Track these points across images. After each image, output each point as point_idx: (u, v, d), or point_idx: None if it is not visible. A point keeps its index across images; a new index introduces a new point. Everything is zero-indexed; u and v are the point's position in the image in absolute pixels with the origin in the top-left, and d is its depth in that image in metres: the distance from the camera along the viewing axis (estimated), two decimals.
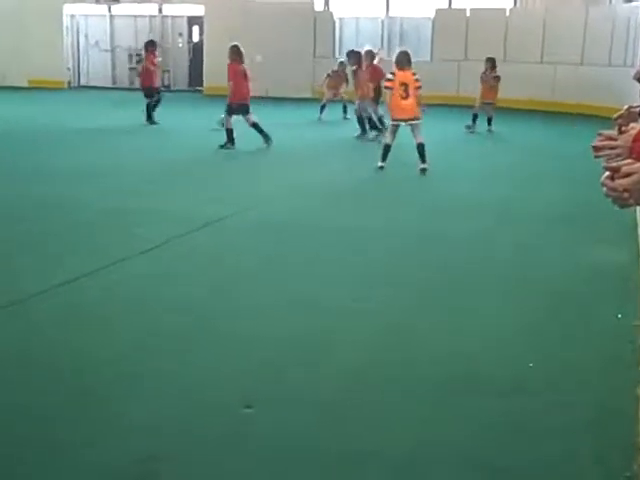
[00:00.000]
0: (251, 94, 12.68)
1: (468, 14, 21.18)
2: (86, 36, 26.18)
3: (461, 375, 4.06)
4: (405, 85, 10.41)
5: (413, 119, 10.50)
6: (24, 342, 4.37)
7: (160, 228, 6.96)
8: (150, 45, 16.04)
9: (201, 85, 24.14)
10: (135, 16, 25.75)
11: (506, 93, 16.16)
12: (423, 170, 10.37)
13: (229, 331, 4.61)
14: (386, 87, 10.66)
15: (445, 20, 21.38)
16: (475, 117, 15.46)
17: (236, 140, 12.27)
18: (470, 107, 15.99)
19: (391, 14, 22.67)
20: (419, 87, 10.56)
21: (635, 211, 7.02)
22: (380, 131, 13.49)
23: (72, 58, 26.05)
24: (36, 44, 23.97)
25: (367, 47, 14.83)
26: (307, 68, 21.08)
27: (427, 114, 10.72)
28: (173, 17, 25.68)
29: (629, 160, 1.98)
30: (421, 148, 10.40)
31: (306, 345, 4.44)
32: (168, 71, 24.49)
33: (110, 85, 25.90)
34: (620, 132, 2.26)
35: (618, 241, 6.83)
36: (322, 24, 22.64)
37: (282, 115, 17.90)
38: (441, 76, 20.24)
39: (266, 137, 12.41)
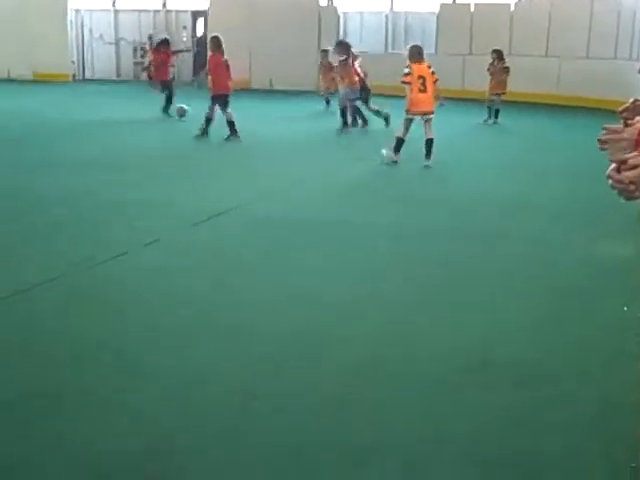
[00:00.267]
0: (232, 85, 12.89)
1: (472, 9, 21.11)
2: (90, 30, 26.16)
3: (463, 370, 4.04)
4: (423, 78, 10.35)
5: (431, 113, 10.46)
6: (25, 332, 4.37)
7: (161, 221, 6.95)
8: (166, 44, 16.14)
9: (205, 78, 24.10)
10: (139, 10, 25.74)
11: (511, 87, 16.10)
12: (427, 166, 10.33)
13: (229, 325, 4.59)
14: (404, 82, 10.45)
15: (450, 15, 21.31)
16: (489, 110, 15.52)
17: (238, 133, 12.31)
18: (476, 101, 15.96)
19: (395, 9, 22.60)
20: (436, 80, 10.53)
21: None
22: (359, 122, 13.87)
23: (77, 52, 26.03)
24: (41, 38, 23.95)
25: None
26: (311, 62, 20.99)
27: (443, 106, 10.68)
28: (177, 11, 25.66)
29: (635, 153, 1.97)
30: (430, 144, 10.36)
31: (307, 340, 4.42)
32: (172, 65, 24.45)
33: (115, 78, 25.90)
34: (626, 125, 2.25)
35: (623, 235, 6.80)
36: (326, 18, 22.58)
37: (286, 108, 17.88)
38: (446, 70, 20.12)
39: (234, 133, 12.41)
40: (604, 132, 2.12)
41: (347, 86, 14.08)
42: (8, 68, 24.58)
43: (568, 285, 5.59)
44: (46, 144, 11.90)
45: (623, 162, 1.93)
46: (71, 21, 25.56)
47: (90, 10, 26.10)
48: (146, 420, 3.44)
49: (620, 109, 2.37)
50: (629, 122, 2.26)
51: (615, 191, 1.94)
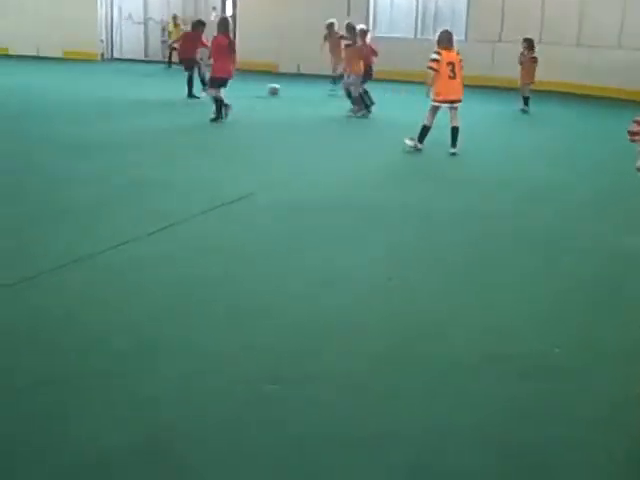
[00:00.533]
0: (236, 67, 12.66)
1: None
2: (120, 8, 26.20)
3: (488, 357, 4.02)
4: (452, 65, 10.17)
5: (459, 101, 10.32)
6: (33, 319, 4.34)
7: (175, 206, 6.90)
8: (201, 25, 15.97)
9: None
10: None
11: (540, 76, 15.93)
12: (453, 154, 10.22)
13: (238, 312, 4.53)
14: (431, 68, 10.20)
15: (480, 0, 21.08)
16: (523, 98, 15.39)
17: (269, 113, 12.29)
18: (505, 89, 15.84)
19: None
20: (462, 67, 10.38)
21: None
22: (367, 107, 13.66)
23: (105, 30, 26.10)
24: (71, 16, 24.05)
25: (361, 25, 14.85)
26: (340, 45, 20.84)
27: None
28: None
29: None
30: (456, 131, 10.22)
31: (337, 324, 4.40)
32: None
33: (142, 58, 25.95)
34: None
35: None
36: (356, 2, 22.41)
37: (312, 92, 17.83)
38: (475, 57, 19.97)
39: (219, 114, 12.25)
40: (634, 124, 2.09)
41: (350, 73, 13.93)
42: (38, 46, 24.71)
43: (592, 276, 5.53)
44: (74, 123, 11.92)
45: None
46: None
47: None
48: (147, 408, 3.42)
49: None
50: None
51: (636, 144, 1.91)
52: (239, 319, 4.41)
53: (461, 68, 10.35)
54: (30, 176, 7.96)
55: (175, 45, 18.09)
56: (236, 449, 3.12)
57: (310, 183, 8.18)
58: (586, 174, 9.36)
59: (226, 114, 12.34)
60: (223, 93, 12.37)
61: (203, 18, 24.04)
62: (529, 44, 15.51)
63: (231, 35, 12.95)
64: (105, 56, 25.93)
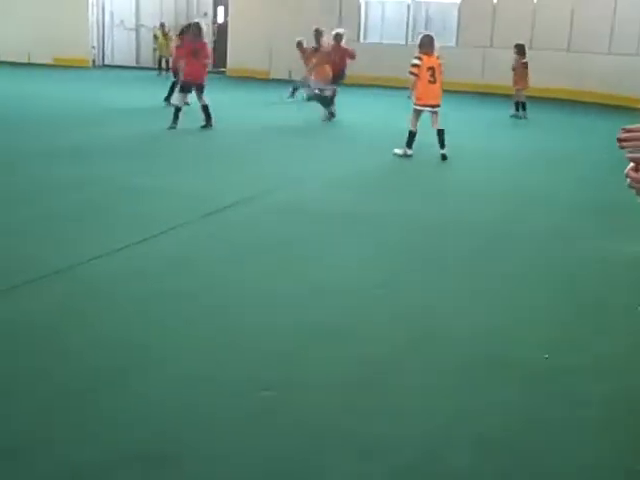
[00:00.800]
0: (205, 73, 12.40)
1: (495, 0, 20.96)
2: (111, 15, 26.21)
3: (480, 359, 4.03)
4: (432, 69, 10.24)
5: (438, 105, 10.38)
6: (31, 323, 4.37)
7: (175, 211, 6.91)
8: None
9: (225, 66, 24.13)
10: None
11: (531, 81, 16.02)
12: (443, 156, 10.27)
13: (248, 315, 4.57)
14: (412, 73, 10.30)
15: (471, 6, 21.18)
16: (522, 105, 15.52)
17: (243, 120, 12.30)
18: (496, 95, 15.94)
19: None
20: (442, 72, 10.42)
21: None
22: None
23: (97, 37, 26.10)
24: (62, 22, 24.06)
25: (337, 30, 14.90)
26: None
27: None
28: None
29: None
30: (442, 134, 10.28)
31: (328, 330, 4.40)
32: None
33: (134, 64, 25.96)
34: None
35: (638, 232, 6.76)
36: (348, 7, 22.49)
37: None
38: (466, 62, 20.09)
39: (175, 122, 11.98)
40: (623, 131, 2.08)
41: (313, 77, 13.98)
42: (29, 52, 24.69)
43: (582, 281, 5.54)
44: (65, 130, 11.90)
45: (639, 162, 1.89)
46: (92, 5, 25.63)
47: None
48: (165, 408, 3.43)
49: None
50: None
51: (633, 190, 1.91)
52: (225, 329, 4.39)
53: (441, 73, 10.39)
54: (13, 184, 7.90)
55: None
56: (229, 456, 3.11)
57: (297, 189, 8.18)
58: (577, 181, 9.38)
59: (210, 123, 12.19)
60: (189, 98, 12.31)
61: None
62: (519, 50, 15.61)
63: (205, 40, 12.68)
64: (96, 63, 25.94)
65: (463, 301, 5.00)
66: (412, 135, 10.31)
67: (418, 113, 10.35)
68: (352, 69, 16.58)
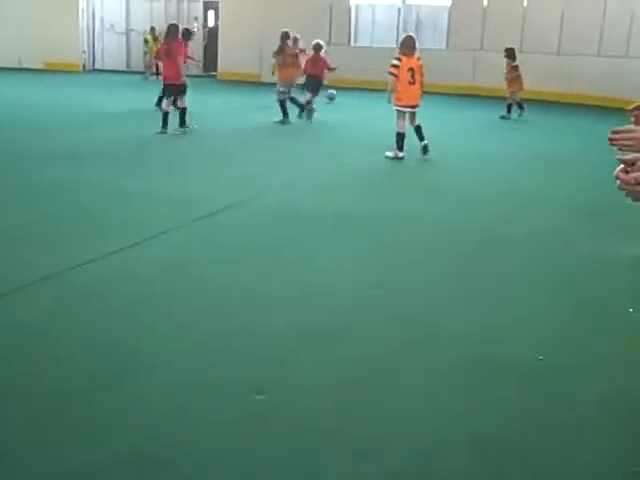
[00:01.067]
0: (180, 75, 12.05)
1: (485, 3, 21.03)
2: (101, 19, 26.19)
3: (476, 359, 4.04)
4: (412, 70, 10.28)
5: (417, 106, 10.45)
6: (29, 325, 4.37)
7: (167, 214, 6.91)
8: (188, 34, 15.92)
9: (215, 70, 24.13)
10: (151, 0, 25.75)
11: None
12: (425, 147, 10.34)
13: (241, 318, 4.57)
14: (391, 73, 10.35)
15: (462, 9, 21.24)
16: (519, 105, 15.67)
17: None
18: (486, 97, 16.01)
19: (408, 2, 22.54)
20: (422, 74, 10.47)
21: None
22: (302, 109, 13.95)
23: (87, 41, 26.07)
24: (52, 27, 24.02)
25: (317, 40, 15.09)
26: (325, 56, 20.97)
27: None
28: (189, 1, 25.67)
29: None
30: (419, 129, 10.37)
31: (321, 331, 4.40)
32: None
33: (124, 69, 25.92)
34: (637, 124, 2.23)
35: (634, 234, 6.79)
36: (338, 11, 22.53)
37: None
38: (457, 65, 20.16)
39: (165, 126, 11.90)
40: (614, 132, 2.10)
41: (279, 80, 14.03)
42: (19, 57, 24.64)
43: (580, 282, 5.56)
44: (57, 134, 11.88)
45: (631, 163, 1.91)
46: (82, 10, 25.59)
47: None
48: (146, 414, 3.42)
49: (631, 107, 2.35)
50: None
51: (623, 192, 1.92)
52: (218, 332, 4.38)
53: (422, 74, 10.44)
54: (4, 189, 7.87)
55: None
56: (222, 459, 3.11)
57: (289, 191, 8.19)
58: (570, 183, 9.40)
59: (183, 127, 12.05)
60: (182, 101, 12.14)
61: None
62: (509, 54, 15.71)
63: (181, 39, 12.46)
64: (87, 67, 25.91)
65: (459, 301, 5.01)
66: (400, 136, 10.35)
67: (400, 114, 10.39)
68: (343, 72, 16.65)
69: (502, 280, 5.47)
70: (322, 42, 15.24)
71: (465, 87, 20.41)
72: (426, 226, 6.94)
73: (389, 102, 10.45)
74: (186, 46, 14.36)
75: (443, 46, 21.47)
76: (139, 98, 17.01)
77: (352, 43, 22.76)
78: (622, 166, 1.93)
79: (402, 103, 10.34)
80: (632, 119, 2.30)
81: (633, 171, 1.89)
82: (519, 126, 15.19)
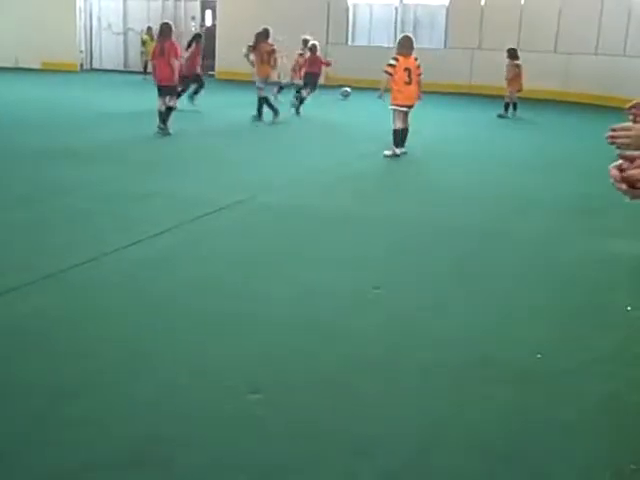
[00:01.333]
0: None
1: (483, 2, 21.03)
2: (99, 19, 26.15)
3: (474, 360, 4.04)
4: (408, 70, 10.35)
5: (412, 106, 10.54)
6: (26, 326, 4.37)
7: (167, 213, 6.93)
8: (199, 37, 15.95)
9: (213, 69, 24.09)
10: None
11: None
12: (403, 153, 10.48)
13: (243, 317, 4.57)
14: (386, 72, 10.45)
15: (460, 8, 21.23)
16: (513, 105, 15.83)
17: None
18: (484, 96, 16.04)
19: (405, 1, 22.53)
20: (420, 74, 10.55)
21: None
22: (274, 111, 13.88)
23: (85, 41, 26.03)
24: (49, 26, 23.98)
25: (313, 41, 16.13)
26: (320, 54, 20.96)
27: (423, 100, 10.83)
28: (186, 0, 25.62)
29: None
30: (405, 132, 10.51)
31: (321, 331, 4.41)
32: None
33: (122, 69, 25.88)
34: (635, 122, 2.23)
35: (632, 233, 6.80)
36: (336, 10, 22.52)
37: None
38: (454, 64, 20.16)
39: (164, 126, 11.82)
40: (611, 130, 2.11)
41: (257, 75, 14.07)
42: (16, 57, 24.60)
43: (575, 282, 5.57)
44: (54, 134, 11.87)
45: (630, 159, 1.92)
46: (80, 9, 25.55)
47: None
48: (158, 407, 3.44)
49: (629, 105, 2.35)
50: (638, 119, 2.25)
51: (620, 190, 1.93)
52: (218, 333, 4.38)
53: (418, 75, 10.50)
54: (3, 188, 7.88)
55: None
56: (221, 458, 3.12)
57: (288, 191, 8.20)
58: (568, 182, 9.40)
59: (164, 128, 11.88)
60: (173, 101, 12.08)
61: (182, 28, 24.13)
62: (511, 54, 15.86)
63: (174, 40, 12.30)
64: (84, 67, 25.86)
65: (459, 301, 5.01)
66: (396, 133, 10.46)
67: (397, 113, 10.48)
68: (340, 71, 16.69)
69: (501, 280, 5.48)
70: (316, 42, 16.13)
71: (463, 86, 20.42)
72: (425, 226, 6.94)
73: (379, 97, 10.60)
74: (197, 48, 15.06)
75: (441, 45, 21.46)
76: (137, 98, 16.97)
77: (350, 42, 22.74)
78: (617, 163, 1.94)
79: (398, 102, 10.44)
80: (630, 117, 2.30)
81: (631, 168, 1.90)
82: (516, 125, 15.19)
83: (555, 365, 4.07)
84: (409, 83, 10.37)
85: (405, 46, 10.47)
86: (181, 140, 11.75)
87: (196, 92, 15.34)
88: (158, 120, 11.85)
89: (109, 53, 26.28)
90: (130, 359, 3.97)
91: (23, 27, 24.08)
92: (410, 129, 10.67)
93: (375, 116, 13.64)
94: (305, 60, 15.91)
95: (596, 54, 19.10)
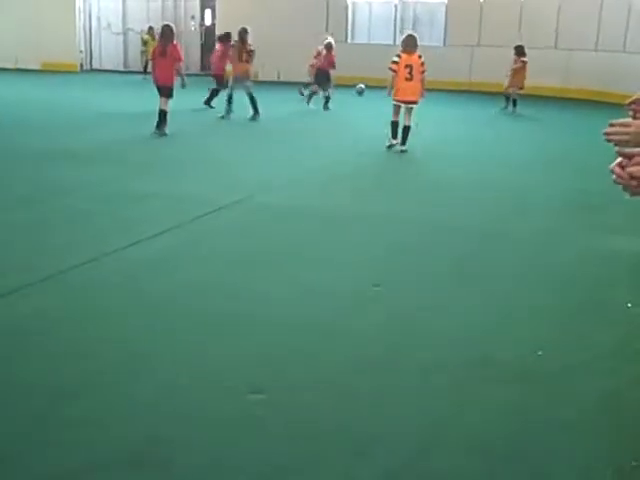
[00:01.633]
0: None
1: None
2: (98, 19, 26.14)
3: (464, 363, 4.04)
4: (410, 67, 10.69)
5: (413, 102, 10.78)
6: (23, 327, 4.37)
7: (167, 213, 6.94)
8: (226, 37, 15.95)
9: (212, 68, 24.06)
10: None
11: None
12: (402, 152, 10.65)
13: (241, 318, 4.57)
14: (390, 69, 10.83)
15: (459, 5, 21.21)
16: (506, 99, 16.17)
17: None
18: (484, 93, 16.08)
19: None
20: (424, 71, 10.82)
21: None
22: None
23: (84, 41, 26.02)
24: (49, 27, 23.98)
25: (328, 40, 16.76)
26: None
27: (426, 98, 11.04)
28: (186, 0, 25.61)
29: None
30: (407, 131, 10.73)
31: (320, 331, 4.41)
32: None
33: (122, 69, 25.87)
34: (634, 118, 2.22)
35: (632, 229, 6.79)
36: (335, 8, 22.50)
37: (290, 97, 17.87)
38: (454, 62, 20.13)
39: (160, 127, 11.77)
40: (610, 126, 2.10)
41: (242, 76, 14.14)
42: (16, 57, 24.60)
43: (575, 279, 5.56)
44: (54, 135, 11.87)
45: (629, 157, 1.91)
46: (79, 9, 25.54)
47: None
48: (158, 408, 3.44)
49: (628, 101, 2.34)
50: (638, 115, 2.24)
51: (619, 186, 1.93)
52: (218, 333, 4.38)
53: (422, 72, 10.79)
54: (3, 189, 7.88)
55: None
56: (221, 458, 3.12)
57: (287, 190, 8.20)
58: (567, 179, 9.40)
59: (162, 129, 11.84)
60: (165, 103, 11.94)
61: (182, 28, 24.09)
62: (517, 50, 16.04)
63: (176, 42, 12.33)
64: (84, 67, 25.86)
65: (459, 300, 5.01)
66: (393, 125, 10.83)
67: (396, 107, 10.83)
68: (340, 69, 16.69)
69: (501, 279, 5.47)
70: (332, 41, 16.84)
71: (463, 83, 20.40)
72: (425, 226, 6.93)
73: (388, 95, 10.91)
74: (225, 48, 15.31)
75: (440, 42, 21.44)
76: (137, 98, 16.96)
77: (349, 40, 22.71)
78: (618, 160, 1.94)
79: (398, 98, 10.81)
80: (630, 113, 2.29)
81: (629, 165, 1.89)
82: (516, 121, 15.19)
83: (555, 364, 4.06)
84: (410, 80, 10.70)
85: (409, 44, 10.84)
86: (180, 140, 11.74)
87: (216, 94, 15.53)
88: (158, 121, 11.82)
89: (109, 53, 26.28)
90: (130, 360, 3.97)
91: (23, 27, 24.09)
92: (412, 126, 10.74)
93: (375, 113, 13.67)
94: (320, 58, 16.62)
95: (596, 50, 19.07)
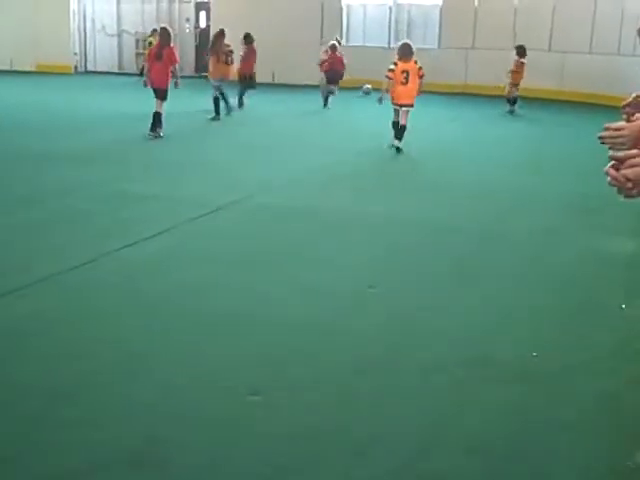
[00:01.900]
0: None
1: (476, 2, 21.02)
2: (93, 21, 26.10)
3: (463, 363, 4.04)
4: (406, 72, 11.02)
5: (409, 105, 11.06)
6: (23, 329, 4.36)
7: (165, 214, 6.93)
8: (248, 38, 16.13)
9: (207, 70, 24.05)
10: (142, 1, 25.66)
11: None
12: (398, 149, 10.83)
13: (241, 318, 4.57)
14: (387, 76, 11.14)
15: (453, 7, 21.22)
16: (508, 100, 16.28)
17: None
18: (478, 95, 16.15)
19: (399, 1, 22.51)
20: (422, 75, 11.13)
21: None
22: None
23: (79, 43, 25.97)
24: (44, 29, 23.95)
25: (332, 41, 17.45)
26: (314, 55, 20.94)
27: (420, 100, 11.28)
28: (180, 2, 25.58)
29: (635, 151, 1.95)
30: (403, 129, 10.98)
31: (320, 331, 4.41)
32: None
33: (116, 70, 25.83)
34: (628, 120, 2.24)
35: (629, 231, 6.81)
36: (329, 10, 22.49)
37: (290, 101, 17.88)
38: (448, 64, 20.15)
39: (154, 129, 11.71)
40: (605, 128, 2.11)
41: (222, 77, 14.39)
42: (11, 58, 24.55)
43: (574, 280, 5.57)
44: (50, 137, 11.85)
45: (622, 160, 1.92)
46: (74, 11, 25.50)
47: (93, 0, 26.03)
48: (156, 408, 3.44)
49: (623, 104, 2.36)
50: (632, 118, 2.25)
51: (614, 188, 1.94)
52: (217, 334, 4.38)
53: (419, 77, 11.17)
54: (0, 189, 7.89)
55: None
56: (219, 458, 3.11)
57: (285, 190, 8.20)
58: (564, 181, 9.39)
59: (156, 131, 11.76)
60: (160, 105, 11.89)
61: (177, 30, 24.07)
62: (518, 51, 16.18)
63: (172, 45, 12.25)
64: (79, 69, 25.80)
65: (459, 300, 5.01)
66: (394, 125, 11.14)
67: (395, 110, 11.19)
68: None
69: (501, 280, 5.47)
70: (335, 42, 17.55)
71: (458, 86, 20.42)
72: (425, 226, 6.93)
73: (379, 101, 11.25)
74: (248, 48, 15.86)
75: (435, 45, 21.45)
76: (133, 100, 16.93)
77: (344, 43, 22.69)
78: (613, 162, 1.94)
79: (394, 101, 11.19)
80: (624, 116, 2.31)
81: (623, 168, 1.90)
82: (512, 124, 15.20)
83: (555, 364, 4.06)
84: (405, 84, 11.07)
85: (405, 52, 11.26)
86: (178, 141, 11.73)
87: (243, 94, 15.72)
88: (154, 122, 11.77)
89: (103, 55, 26.23)
90: (128, 360, 3.96)
91: (17, 29, 24.03)
92: (408, 127, 10.90)
93: (374, 114, 13.67)
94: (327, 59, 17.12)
95: (590, 53, 19.11)
